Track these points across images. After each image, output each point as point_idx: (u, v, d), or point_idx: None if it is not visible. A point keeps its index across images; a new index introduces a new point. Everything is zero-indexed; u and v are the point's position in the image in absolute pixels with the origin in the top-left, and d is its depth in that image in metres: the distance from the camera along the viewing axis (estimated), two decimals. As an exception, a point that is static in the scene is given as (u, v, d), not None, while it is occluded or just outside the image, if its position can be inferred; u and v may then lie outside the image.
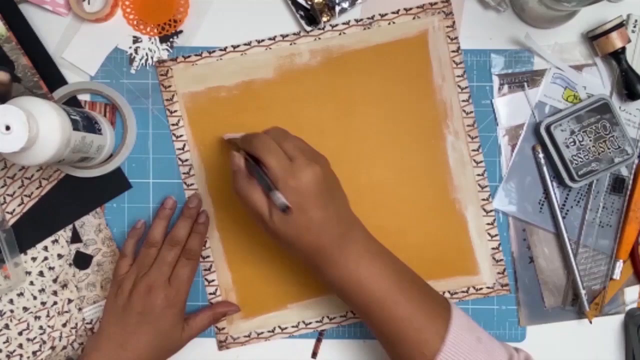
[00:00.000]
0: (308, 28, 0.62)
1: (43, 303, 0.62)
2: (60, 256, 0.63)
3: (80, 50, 0.63)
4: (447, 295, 0.63)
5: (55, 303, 0.62)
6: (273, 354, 0.64)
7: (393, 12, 0.63)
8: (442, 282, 0.63)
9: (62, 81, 0.62)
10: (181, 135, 0.63)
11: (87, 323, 0.63)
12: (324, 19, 0.62)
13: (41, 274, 0.62)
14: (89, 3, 0.63)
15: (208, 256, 0.63)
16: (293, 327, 0.63)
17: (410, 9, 0.63)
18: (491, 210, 0.63)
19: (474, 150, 0.63)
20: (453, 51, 0.63)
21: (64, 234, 0.63)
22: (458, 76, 0.63)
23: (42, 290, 0.62)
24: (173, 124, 0.63)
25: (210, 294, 0.63)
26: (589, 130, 0.61)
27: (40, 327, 0.62)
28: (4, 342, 0.62)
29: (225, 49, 0.63)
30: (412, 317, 0.50)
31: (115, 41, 0.63)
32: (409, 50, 0.63)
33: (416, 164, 0.63)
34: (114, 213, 0.63)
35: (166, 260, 0.57)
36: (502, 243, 0.63)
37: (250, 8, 0.63)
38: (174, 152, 0.63)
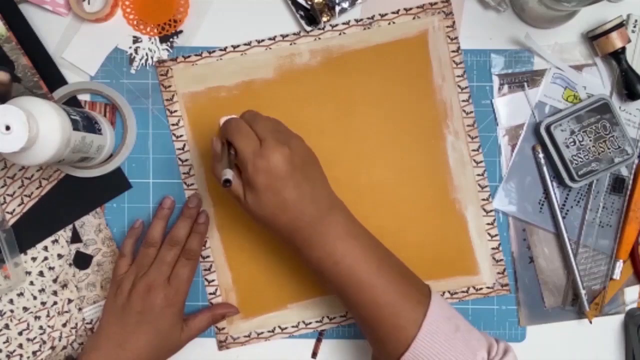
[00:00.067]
0: (308, 28, 0.62)
1: (43, 303, 0.62)
2: (60, 256, 0.63)
3: (80, 50, 0.63)
4: (447, 295, 0.63)
5: (55, 303, 0.62)
6: (273, 354, 0.64)
7: (393, 12, 0.63)
8: (442, 282, 0.63)
9: (62, 81, 0.62)
10: (181, 135, 0.63)
11: (87, 323, 0.63)
12: (324, 19, 0.62)
13: (41, 274, 0.62)
14: (89, 3, 0.63)
15: (208, 256, 0.63)
16: (293, 327, 0.63)
17: (410, 9, 0.63)
18: (491, 210, 0.63)
19: (474, 150, 0.63)
20: (453, 51, 0.63)
21: (64, 234, 0.63)
22: (458, 76, 0.63)
23: (42, 290, 0.62)
24: (173, 124, 0.63)
25: (210, 294, 0.63)
26: (589, 130, 0.61)
27: (40, 327, 0.62)
28: (4, 342, 0.62)
29: (225, 49, 0.63)
30: (389, 302, 0.50)
31: (115, 41, 0.63)
32: (409, 50, 0.63)
33: (416, 164, 0.63)
34: (114, 213, 0.63)
35: (166, 260, 0.57)
36: (502, 243, 0.63)
37: (250, 8, 0.63)
38: (174, 152, 0.63)
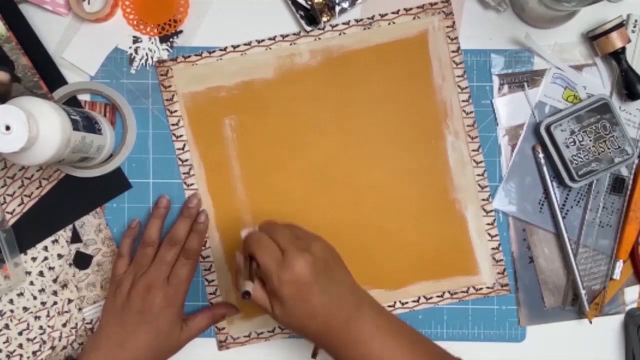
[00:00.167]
0: (308, 28, 0.62)
1: (43, 303, 0.62)
2: (60, 256, 0.63)
3: (80, 50, 0.63)
4: (446, 295, 0.63)
5: (55, 303, 0.62)
6: (273, 354, 0.64)
7: (393, 12, 0.63)
8: (442, 282, 0.63)
9: (62, 81, 0.62)
10: (181, 135, 0.63)
11: (87, 323, 0.63)
12: (324, 19, 0.62)
13: (41, 274, 0.62)
14: (89, 3, 0.63)
15: (208, 256, 0.63)
16: (293, 327, 0.63)
17: (410, 9, 0.63)
18: (491, 210, 0.63)
19: (474, 150, 0.63)
20: (453, 51, 0.63)
21: (64, 234, 0.63)
22: (458, 76, 0.63)
23: (42, 290, 0.62)
24: (173, 124, 0.63)
25: (210, 294, 0.63)
26: (589, 130, 0.61)
27: (40, 327, 0.62)
28: (4, 342, 0.62)
29: (225, 49, 0.63)
30: None
31: (115, 41, 0.63)
32: (409, 50, 0.63)
33: (416, 164, 0.63)
34: (114, 213, 0.63)
35: (165, 259, 0.57)
36: (502, 243, 0.63)
37: (250, 8, 0.63)
38: (174, 152, 0.63)
